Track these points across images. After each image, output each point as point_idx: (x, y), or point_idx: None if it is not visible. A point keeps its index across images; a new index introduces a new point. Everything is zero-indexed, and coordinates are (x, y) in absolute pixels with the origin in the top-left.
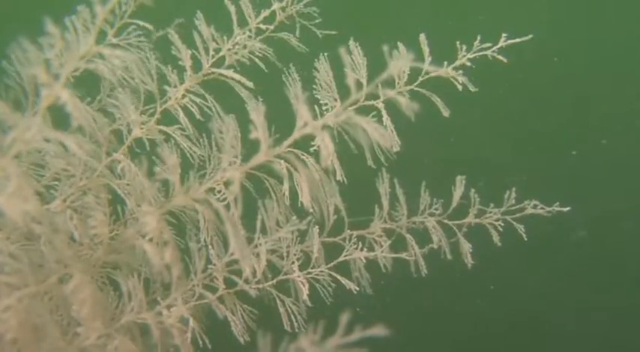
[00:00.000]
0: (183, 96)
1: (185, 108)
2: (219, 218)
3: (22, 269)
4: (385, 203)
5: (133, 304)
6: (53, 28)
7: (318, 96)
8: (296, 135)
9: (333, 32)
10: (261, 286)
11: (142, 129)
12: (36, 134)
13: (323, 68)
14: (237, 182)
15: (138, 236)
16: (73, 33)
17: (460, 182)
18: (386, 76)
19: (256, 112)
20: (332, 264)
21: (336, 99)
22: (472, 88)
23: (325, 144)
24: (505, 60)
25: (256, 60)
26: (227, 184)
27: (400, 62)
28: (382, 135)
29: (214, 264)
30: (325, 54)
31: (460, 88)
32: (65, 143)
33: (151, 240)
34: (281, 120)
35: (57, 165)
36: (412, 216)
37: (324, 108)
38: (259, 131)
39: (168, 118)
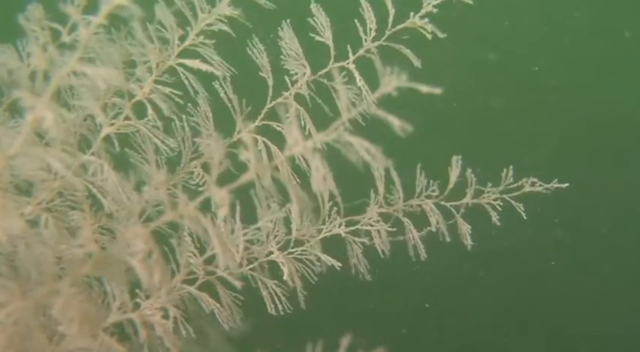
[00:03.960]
0: (151, 91)
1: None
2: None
3: (8, 286)
4: (381, 187)
5: (117, 304)
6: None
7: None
8: (287, 153)
9: None
10: (243, 270)
11: (112, 125)
12: (18, 150)
13: (288, 35)
14: (226, 204)
15: (126, 253)
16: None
17: (456, 162)
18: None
19: (246, 134)
20: (314, 239)
21: (305, 66)
22: (440, 34)
23: (317, 168)
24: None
25: (226, 28)
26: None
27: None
28: (374, 156)
29: (195, 256)
30: (288, 20)
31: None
32: (49, 161)
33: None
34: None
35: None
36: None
37: (293, 78)
38: (249, 152)
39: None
